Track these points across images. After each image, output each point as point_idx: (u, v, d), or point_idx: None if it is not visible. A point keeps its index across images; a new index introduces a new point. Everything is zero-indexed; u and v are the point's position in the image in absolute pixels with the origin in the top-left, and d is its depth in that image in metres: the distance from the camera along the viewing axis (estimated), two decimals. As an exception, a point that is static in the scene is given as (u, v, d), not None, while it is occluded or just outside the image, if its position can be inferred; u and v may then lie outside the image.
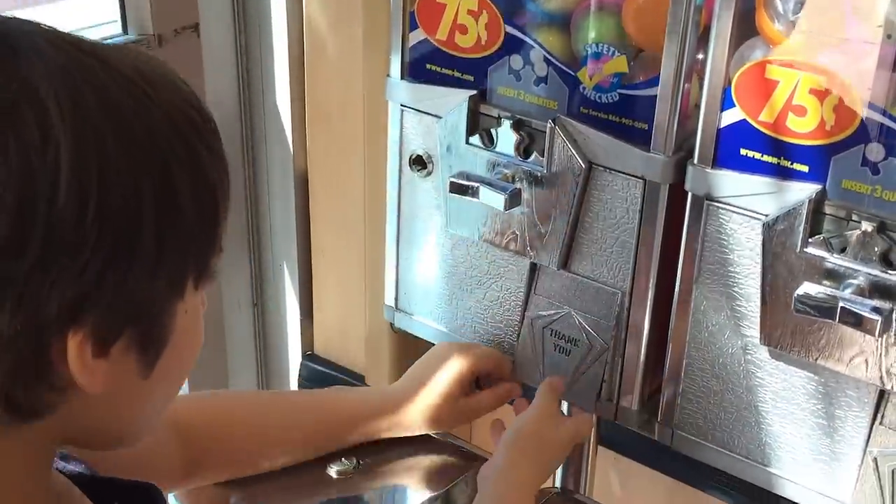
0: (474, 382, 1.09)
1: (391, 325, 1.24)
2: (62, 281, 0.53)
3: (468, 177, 1.00)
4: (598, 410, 1.06)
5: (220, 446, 1.00)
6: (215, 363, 1.56)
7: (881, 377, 0.85)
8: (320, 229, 1.43)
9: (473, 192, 1.00)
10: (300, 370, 1.54)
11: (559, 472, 1.15)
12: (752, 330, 0.92)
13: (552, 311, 1.05)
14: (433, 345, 1.16)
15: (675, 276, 0.96)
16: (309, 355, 1.53)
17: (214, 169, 0.59)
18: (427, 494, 1.06)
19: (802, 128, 0.83)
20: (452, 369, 1.07)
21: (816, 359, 0.88)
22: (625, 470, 1.49)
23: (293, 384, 1.56)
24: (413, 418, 1.07)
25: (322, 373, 1.51)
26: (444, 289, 1.14)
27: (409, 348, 1.32)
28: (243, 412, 1.04)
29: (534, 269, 1.06)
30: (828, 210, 0.84)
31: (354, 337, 1.45)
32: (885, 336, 0.83)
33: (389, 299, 1.20)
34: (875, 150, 0.81)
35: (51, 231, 0.52)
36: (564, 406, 1.09)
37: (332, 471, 1.04)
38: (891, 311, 0.80)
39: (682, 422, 1.00)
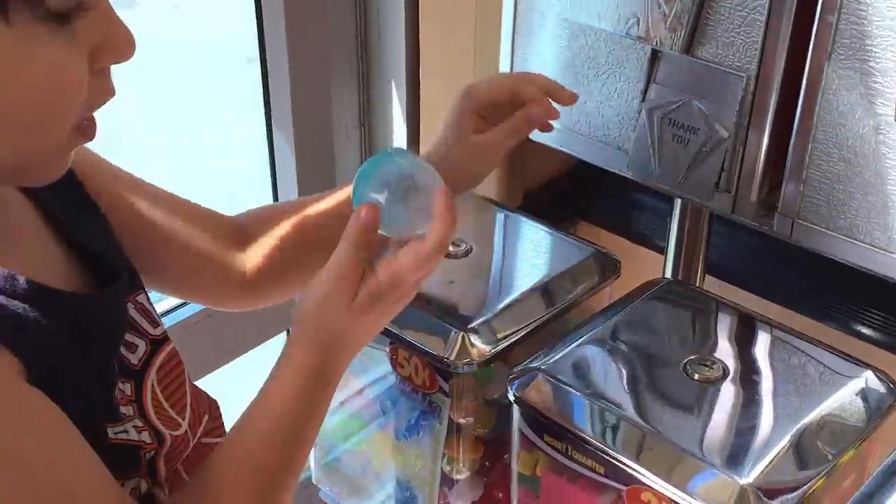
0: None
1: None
2: None
3: (592, -47, 0.98)
4: (714, 203, 1.04)
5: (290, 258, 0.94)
6: (323, 189, 1.56)
7: None
8: (429, 42, 1.42)
9: (597, -31, 0.97)
10: (406, 193, 1.54)
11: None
12: (887, 107, 0.89)
13: (671, 100, 1.03)
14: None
15: (806, 56, 0.93)
16: (415, 178, 1.53)
17: None
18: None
19: None
20: (453, 109, 0.96)
21: (956, 132, 0.84)
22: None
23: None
24: None
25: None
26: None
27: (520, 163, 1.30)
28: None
29: (654, 57, 1.03)
30: (981, -34, 0.80)
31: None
32: None
33: (503, 99, 1.18)
34: None
35: None
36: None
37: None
38: None
39: (803, 210, 0.98)
